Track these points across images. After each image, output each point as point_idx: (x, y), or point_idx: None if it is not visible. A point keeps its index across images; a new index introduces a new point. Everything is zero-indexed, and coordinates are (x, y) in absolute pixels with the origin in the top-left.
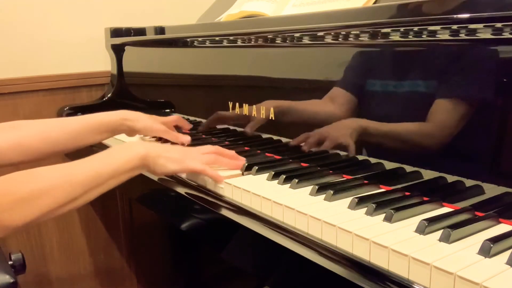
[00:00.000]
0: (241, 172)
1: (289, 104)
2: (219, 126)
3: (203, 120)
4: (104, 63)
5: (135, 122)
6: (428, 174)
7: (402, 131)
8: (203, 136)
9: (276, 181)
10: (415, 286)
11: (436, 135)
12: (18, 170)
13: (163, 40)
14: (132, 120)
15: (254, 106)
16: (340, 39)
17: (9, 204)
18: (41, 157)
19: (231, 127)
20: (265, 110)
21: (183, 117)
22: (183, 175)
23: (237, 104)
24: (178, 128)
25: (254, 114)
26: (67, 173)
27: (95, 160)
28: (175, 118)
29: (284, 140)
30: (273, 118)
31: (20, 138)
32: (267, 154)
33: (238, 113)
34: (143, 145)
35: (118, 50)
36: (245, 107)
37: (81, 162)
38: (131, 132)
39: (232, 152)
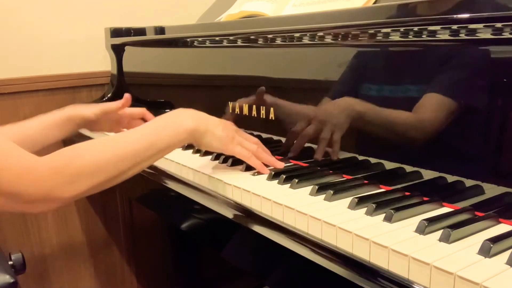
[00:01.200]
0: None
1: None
2: None
3: None
4: (104, 63)
5: (85, 111)
6: (428, 174)
7: (401, 127)
8: None
9: (276, 181)
10: (415, 286)
11: (436, 135)
12: None
13: (163, 40)
14: (82, 110)
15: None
16: (340, 39)
17: (61, 179)
18: None
19: None
20: (265, 110)
21: None
22: (183, 174)
23: (237, 104)
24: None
25: (254, 114)
26: (117, 146)
27: (145, 131)
28: (139, 111)
29: (284, 140)
30: (273, 118)
31: None
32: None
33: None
34: (192, 117)
35: (118, 50)
36: (245, 107)
37: (131, 134)
38: (86, 125)
39: (270, 155)
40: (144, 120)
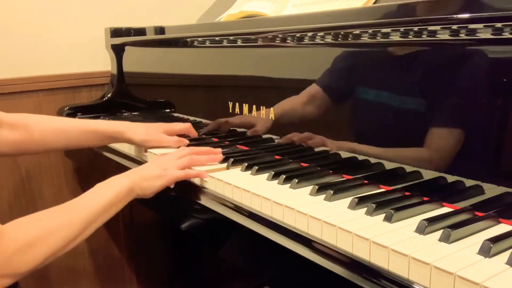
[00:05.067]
0: (225, 166)
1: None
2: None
3: (203, 120)
4: (104, 63)
5: (133, 135)
6: (428, 174)
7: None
8: (203, 136)
9: (276, 181)
10: (415, 286)
11: (436, 135)
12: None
13: (163, 40)
14: (130, 133)
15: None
16: (340, 39)
17: (17, 250)
18: (31, 154)
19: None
20: (265, 110)
21: (183, 117)
22: None
23: (237, 104)
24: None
25: (254, 114)
26: (65, 214)
27: (87, 198)
28: (183, 127)
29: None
30: (273, 118)
31: (20, 139)
32: (267, 153)
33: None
34: (126, 175)
35: (118, 50)
36: (245, 107)
37: (76, 201)
38: (129, 142)
39: (206, 148)
40: (187, 135)
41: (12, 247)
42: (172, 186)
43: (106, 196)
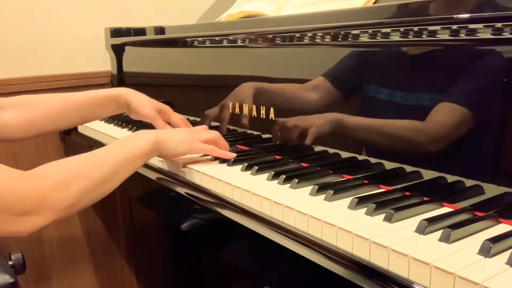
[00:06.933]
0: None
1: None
2: (214, 125)
3: None
4: (104, 63)
5: (133, 99)
6: (428, 174)
7: (401, 131)
8: None
9: (276, 181)
10: (415, 286)
11: (436, 136)
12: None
13: (163, 40)
14: (131, 98)
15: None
16: (340, 39)
17: (53, 185)
18: (46, 133)
19: (231, 127)
20: (265, 110)
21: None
22: (186, 175)
23: (237, 104)
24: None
25: (254, 114)
26: (95, 157)
27: (114, 147)
28: (177, 120)
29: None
30: (273, 118)
31: (28, 116)
32: (267, 153)
33: (237, 112)
34: (152, 131)
35: (118, 50)
36: (245, 107)
37: (104, 149)
38: (128, 108)
39: (227, 145)
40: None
41: (47, 184)
42: (186, 176)
43: (131, 147)
